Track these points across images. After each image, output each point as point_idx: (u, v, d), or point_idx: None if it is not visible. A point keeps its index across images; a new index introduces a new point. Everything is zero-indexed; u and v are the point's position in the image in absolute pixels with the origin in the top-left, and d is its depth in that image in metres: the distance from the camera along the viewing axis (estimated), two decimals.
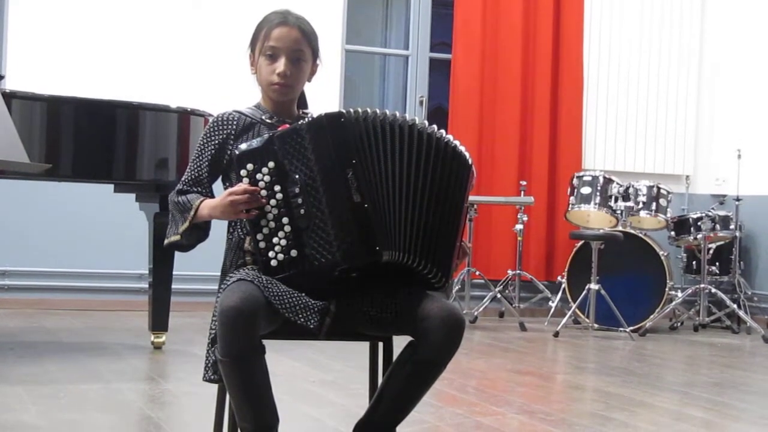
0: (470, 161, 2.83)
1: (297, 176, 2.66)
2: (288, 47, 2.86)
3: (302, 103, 3.04)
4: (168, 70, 7.38)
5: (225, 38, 7.45)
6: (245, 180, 2.68)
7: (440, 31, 8.86)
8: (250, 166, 2.68)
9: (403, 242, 2.70)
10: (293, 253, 2.67)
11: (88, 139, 5.13)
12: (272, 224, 2.68)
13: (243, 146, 2.71)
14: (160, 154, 5.34)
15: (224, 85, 7.18)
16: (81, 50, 7.22)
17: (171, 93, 6.55)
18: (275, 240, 2.68)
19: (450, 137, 2.80)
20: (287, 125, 2.78)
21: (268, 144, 2.68)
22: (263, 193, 2.66)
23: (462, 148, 2.81)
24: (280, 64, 2.85)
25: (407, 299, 2.77)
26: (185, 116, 5.39)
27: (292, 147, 2.67)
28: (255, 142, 2.70)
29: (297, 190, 2.66)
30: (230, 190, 2.68)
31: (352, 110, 2.73)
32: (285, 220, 2.67)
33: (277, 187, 2.67)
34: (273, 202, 2.67)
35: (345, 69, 8.16)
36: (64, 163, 5.10)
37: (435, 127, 2.79)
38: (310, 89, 3.03)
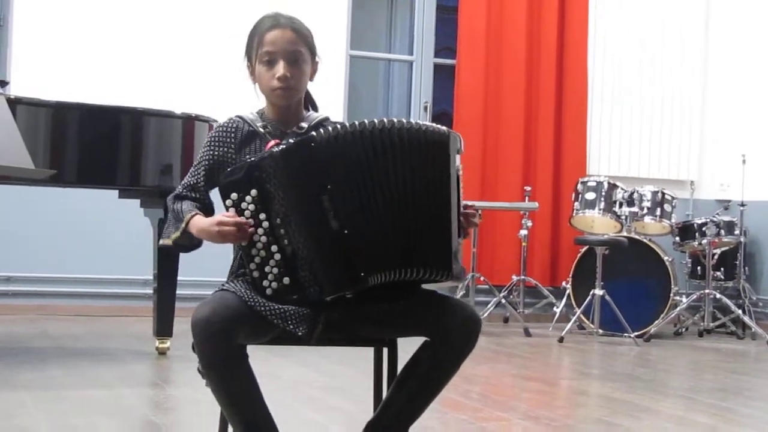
0: (446, 133, 2.71)
1: (278, 204, 2.64)
2: (284, 49, 2.81)
3: (311, 104, 3.03)
4: (173, 75, 7.39)
5: (230, 44, 7.44)
6: (231, 210, 2.66)
7: (444, 36, 8.86)
8: (234, 196, 2.66)
9: (391, 259, 2.65)
10: (286, 280, 2.66)
11: (92, 144, 5.14)
12: (263, 253, 2.66)
13: (225, 176, 2.69)
14: (164, 160, 5.34)
15: (229, 91, 7.16)
16: (86, 56, 7.23)
17: (175, 99, 6.57)
18: (267, 269, 2.67)
19: (421, 123, 2.70)
20: (278, 141, 2.77)
21: (249, 172, 2.65)
22: (250, 221, 2.64)
23: (433, 128, 2.70)
24: (279, 68, 2.81)
25: (419, 300, 2.77)
26: (190, 122, 5.40)
27: (271, 174, 2.64)
28: (237, 171, 2.67)
29: (279, 220, 2.65)
30: (219, 219, 2.65)
31: (323, 131, 2.66)
32: (274, 248, 2.65)
33: (262, 216, 2.65)
34: (260, 230, 2.65)
35: (349, 75, 8.16)
36: (68, 169, 5.11)
37: (411, 121, 2.68)
38: (313, 95, 3.02)
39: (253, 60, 2.87)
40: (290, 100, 2.88)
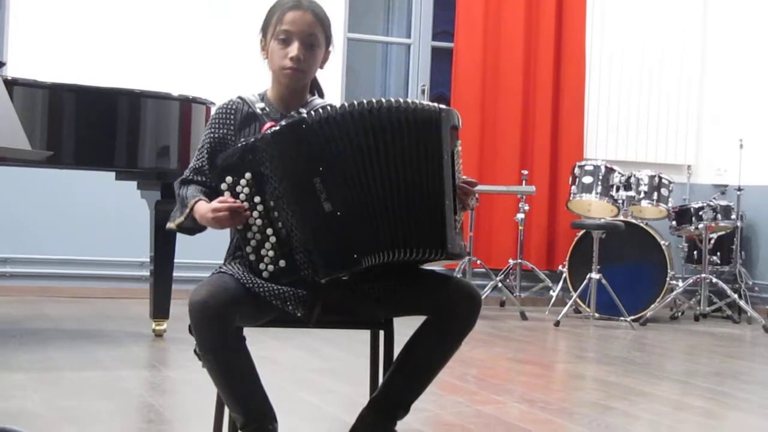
0: (437, 110, 2.69)
1: (272, 187, 2.65)
2: (302, 31, 2.82)
3: (317, 90, 3.03)
4: (170, 57, 7.37)
5: (228, 26, 7.44)
6: (226, 193, 2.67)
7: (442, 19, 8.85)
8: (229, 179, 2.67)
9: (384, 240, 2.66)
10: (282, 263, 2.67)
11: (89, 126, 5.13)
12: (258, 236, 2.67)
13: (221, 159, 2.70)
14: (161, 142, 5.33)
15: (227, 73, 7.18)
16: (83, 38, 7.21)
17: (173, 81, 6.56)
18: (263, 251, 2.68)
19: (411, 102, 2.68)
20: (273, 123, 2.77)
21: (243, 155, 2.66)
22: (245, 205, 2.65)
23: (423, 106, 2.69)
24: (294, 48, 2.82)
25: (419, 279, 2.79)
26: (187, 104, 5.39)
27: (264, 157, 2.65)
28: (232, 154, 2.69)
29: (272, 203, 2.66)
30: (214, 206, 2.66)
31: (314, 113, 2.66)
32: (269, 231, 2.67)
33: (257, 199, 2.66)
34: (255, 213, 2.66)
35: (347, 57, 8.15)
36: (65, 151, 5.10)
37: (401, 100, 2.67)
38: None
39: (268, 35, 2.88)
40: (297, 82, 2.88)
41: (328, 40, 2.91)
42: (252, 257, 2.68)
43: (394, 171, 2.67)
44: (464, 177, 2.81)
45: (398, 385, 2.82)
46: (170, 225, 2.86)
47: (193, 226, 2.82)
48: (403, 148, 2.67)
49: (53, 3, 7.19)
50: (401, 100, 2.69)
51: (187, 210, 2.77)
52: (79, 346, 5.12)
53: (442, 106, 2.73)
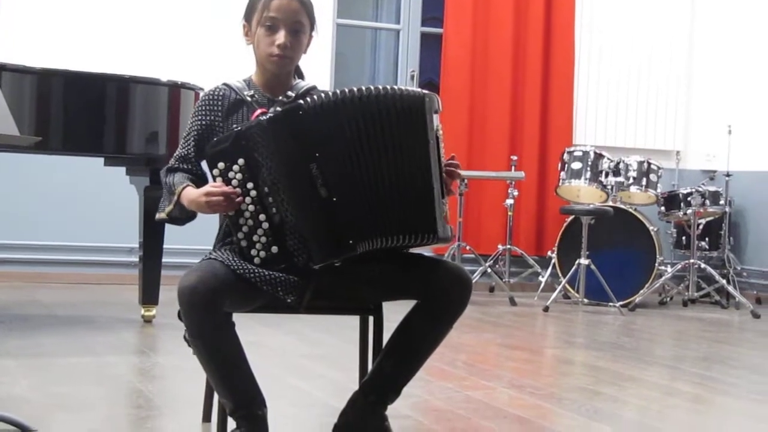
0: (420, 96, 2.70)
1: (266, 173, 2.65)
2: (288, 18, 2.83)
3: (297, 73, 3.03)
4: (158, 43, 7.35)
5: (216, 11, 7.42)
6: (218, 180, 2.66)
7: (431, 5, 8.83)
8: (221, 165, 2.67)
9: (378, 225, 2.68)
10: (274, 249, 2.67)
11: (78, 112, 5.11)
12: (250, 222, 2.67)
13: (211, 145, 2.70)
14: (150, 128, 5.32)
15: (215, 58, 7.16)
16: (71, 23, 7.19)
17: (161, 66, 6.54)
18: (255, 238, 2.68)
19: (397, 89, 2.69)
20: (264, 110, 2.77)
21: (236, 141, 2.66)
22: (238, 191, 2.65)
23: (408, 92, 2.69)
24: (280, 36, 2.82)
25: (410, 262, 2.80)
26: (175, 90, 5.38)
27: (258, 143, 2.65)
28: (224, 140, 2.68)
29: (266, 189, 2.66)
30: (207, 189, 2.66)
31: (309, 100, 2.67)
32: (262, 217, 2.67)
33: (249, 185, 2.66)
34: (248, 199, 2.66)
35: (336, 43, 8.14)
36: (54, 136, 5.09)
37: (388, 87, 2.69)
38: (301, 63, 3.02)
39: (253, 22, 2.87)
40: (284, 68, 2.90)
41: (312, 25, 2.92)
42: (243, 243, 2.68)
43: (384, 157, 2.68)
44: (447, 161, 2.80)
45: (389, 370, 2.83)
46: (160, 215, 2.86)
47: (181, 216, 2.82)
48: (392, 135, 2.68)
49: None
50: (388, 87, 2.69)
51: (175, 197, 2.77)
52: (69, 332, 5.12)
53: (425, 92, 2.73)
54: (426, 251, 2.79)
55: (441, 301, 2.76)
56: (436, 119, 2.73)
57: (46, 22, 7.13)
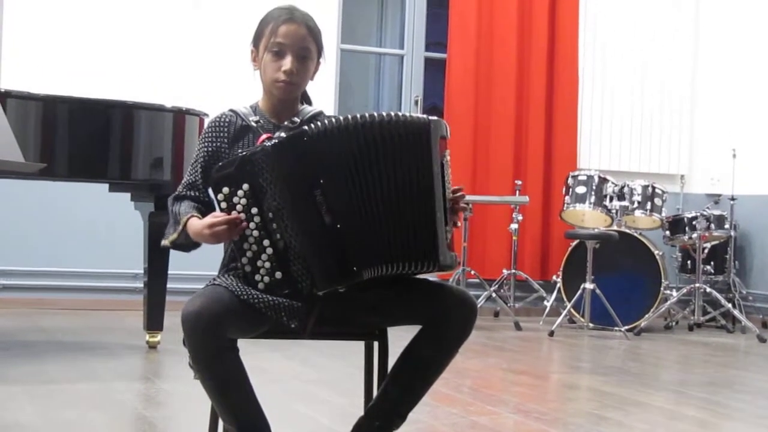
0: (426, 122, 2.68)
1: (271, 198, 2.65)
2: (295, 44, 2.83)
3: (305, 99, 3.04)
4: (163, 69, 7.38)
5: (221, 37, 7.45)
6: (222, 204, 2.66)
7: (435, 30, 8.87)
8: (226, 190, 2.66)
9: (382, 253, 2.67)
10: (278, 275, 2.66)
11: (82, 138, 5.13)
12: (254, 247, 2.66)
13: (216, 170, 2.69)
14: (155, 154, 5.33)
15: (220, 84, 7.18)
16: (76, 49, 7.22)
17: (166, 92, 6.56)
18: (259, 263, 2.67)
19: (402, 115, 2.68)
20: (269, 135, 2.78)
21: (241, 166, 2.65)
22: (242, 216, 2.64)
23: (412, 119, 2.68)
24: (287, 62, 2.82)
25: (414, 287, 2.80)
26: (180, 116, 5.39)
27: (263, 168, 2.64)
28: (228, 165, 2.68)
29: (271, 214, 2.66)
30: (210, 221, 2.65)
31: (314, 126, 2.66)
32: (266, 242, 2.66)
33: (254, 210, 2.65)
34: (252, 225, 2.65)
35: (340, 68, 8.16)
36: (59, 163, 5.10)
37: (393, 114, 2.67)
38: (306, 88, 3.02)
39: (261, 47, 2.88)
40: (290, 95, 2.90)
41: (320, 52, 2.92)
42: (248, 268, 2.68)
43: (387, 184, 2.67)
44: (452, 188, 2.80)
45: (394, 395, 2.82)
46: (164, 242, 2.85)
47: (187, 243, 2.82)
48: (395, 162, 2.67)
49: (47, 15, 7.19)
50: (392, 114, 2.68)
51: (180, 227, 2.77)
52: (74, 358, 5.12)
53: (432, 117, 2.73)
54: (431, 276, 2.78)
55: (446, 326, 2.76)
56: (442, 145, 2.72)
57: (50, 47, 7.16)
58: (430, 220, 2.68)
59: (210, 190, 2.78)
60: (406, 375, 2.81)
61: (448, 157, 2.75)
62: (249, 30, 2.97)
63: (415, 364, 2.80)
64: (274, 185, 2.65)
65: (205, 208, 2.81)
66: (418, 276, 2.82)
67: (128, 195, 5.66)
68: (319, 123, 2.68)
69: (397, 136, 2.67)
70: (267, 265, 2.67)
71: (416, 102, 7.58)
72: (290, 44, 2.83)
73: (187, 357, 2.62)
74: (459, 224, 2.84)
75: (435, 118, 2.74)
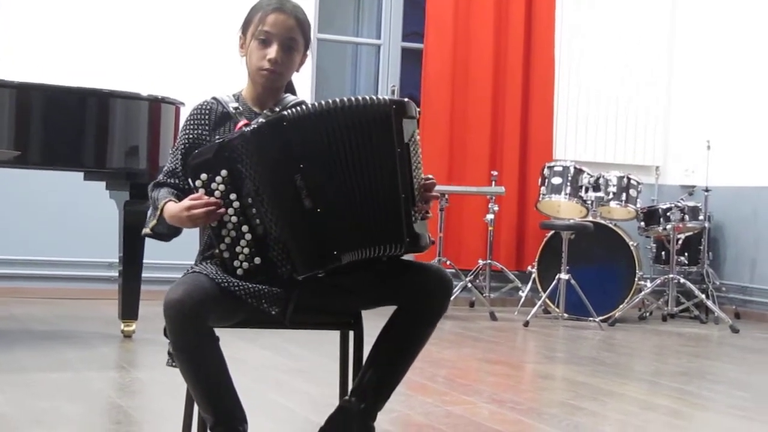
0: (387, 104, 2.70)
1: (250, 184, 2.65)
2: (282, 34, 2.84)
3: (290, 90, 3.04)
4: (140, 57, 7.33)
5: (199, 25, 7.42)
6: (201, 191, 2.66)
7: (412, 20, 8.86)
8: (204, 176, 2.66)
9: (360, 236, 2.69)
10: (257, 260, 2.67)
11: (57, 126, 5.10)
12: (233, 233, 2.67)
13: (194, 156, 2.70)
14: (130, 142, 5.31)
15: (198, 73, 7.16)
16: (51, 37, 7.17)
17: (142, 80, 6.53)
18: (237, 249, 2.67)
19: (368, 98, 2.70)
20: (247, 122, 2.78)
21: (219, 152, 2.66)
22: (220, 202, 2.64)
23: (375, 101, 2.70)
24: (272, 51, 2.83)
25: (388, 267, 2.82)
26: (156, 104, 5.37)
27: (242, 154, 2.65)
28: (206, 151, 2.68)
29: (250, 200, 2.66)
30: (188, 203, 2.65)
31: (292, 111, 2.68)
32: (245, 228, 2.67)
33: (232, 196, 2.66)
34: (230, 210, 2.66)
35: (317, 58, 8.15)
36: (33, 151, 5.07)
37: (360, 97, 2.70)
38: None
39: (248, 34, 2.89)
40: (273, 84, 2.91)
41: (307, 44, 2.93)
42: (226, 255, 2.68)
43: (359, 168, 2.70)
44: (424, 175, 2.81)
45: (376, 375, 2.83)
46: (145, 230, 2.85)
47: (166, 232, 2.81)
48: (362, 145, 2.70)
49: (22, 3, 7.14)
50: (359, 98, 2.71)
51: (158, 212, 2.77)
52: (48, 347, 5.10)
53: (395, 98, 2.75)
54: (410, 258, 2.80)
55: (423, 300, 2.79)
56: (410, 125, 2.74)
57: (24, 35, 7.11)
58: (395, 201, 2.71)
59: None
60: (385, 354, 2.83)
61: (418, 137, 2.77)
62: (230, 19, 2.98)
63: (393, 341, 2.82)
64: (253, 171, 2.65)
65: (184, 195, 2.80)
66: (397, 258, 2.83)
67: (103, 183, 5.64)
68: (297, 109, 2.69)
69: (364, 118, 2.70)
70: (246, 251, 2.67)
71: (393, 92, 7.59)
72: (277, 33, 2.84)
73: (165, 346, 2.62)
74: (430, 214, 2.85)
75: (399, 99, 2.76)
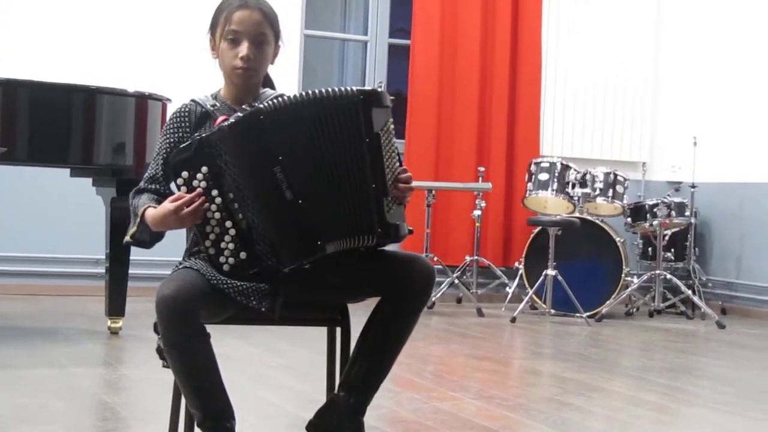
0: (355, 95, 2.72)
1: (231, 179, 2.65)
2: (250, 30, 2.82)
3: (269, 84, 3.03)
4: (126, 53, 7.32)
5: (185, 21, 7.40)
6: (182, 189, 2.65)
7: (399, 16, 8.85)
8: (185, 174, 2.66)
9: (341, 225, 2.70)
10: (242, 255, 2.67)
11: (44, 122, 5.08)
12: (217, 229, 2.67)
13: (173, 155, 2.69)
14: (117, 139, 5.30)
15: (184, 69, 7.14)
16: (37, 33, 7.14)
17: (129, 77, 6.52)
18: (222, 245, 2.67)
19: (338, 90, 2.71)
20: (226, 117, 2.77)
21: (199, 148, 2.65)
22: (204, 198, 2.64)
23: (344, 92, 2.71)
24: (243, 48, 2.82)
25: (372, 258, 2.83)
26: (143, 101, 5.36)
27: (221, 149, 2.65)
28: (186, 149, 2.67)
29: (232, 195, 2.66)
30: (173, 205, 2.63)
31: (268, 104, 2.69)
32: (228, 223, 2.66)
33: (214, 192, 2.65)
34: (213, 207, 2.65)
35: (304, 54, 8.14)
36: (19, 147, 5.06)
37: (331, 89, 2.71)
38: (269, 75, 3.02)
39: (217, 35, 2.88)
40: (249, 81, 2.89)
41: (277, 36, 2.92)
42: (212, 251, 2.68)
43: (330, 158, 2.71)
44: (400, 167, 2.81)
45: (363, 368, 2.82)
46: (126, 239, 2.84)
47: (147, 239, 2.80)
48: (330, 135, 2.70)
49: (20, 3, 7.10)
50: (331, 89, 2.72)
51: (138, 219, 2.75)
52: (34, 344, 5.08)
53: (365, 89, 2.76)
54: (395, 248, 2.81)
55: (407, 289, 2.79)
56: (381, 114, 2.74)
57: (10, 31, 7.08)
58: (366, 191, 2.73)
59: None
60: (371, 345, 2.82)
61: (391, 126, 2.77)
62: (212, 14, 2.96)
63: (378, 332, 2.82)
64: (234, 165, 2.65)
65: (164, 200, 2.79)
66: (378, 248, 2.83)
67: (90, 180, 5.62)
68: (273, 101, 2.70)
69: (332, 110, 2.71)
70: (231, 246, 2.67)
71: (380, 88, 7.57)
72: (245, 31, 2.83)
73: (153, 343, 2.61)
74: (403, 203, 2.83)
75: (370, 89, 2.77)
